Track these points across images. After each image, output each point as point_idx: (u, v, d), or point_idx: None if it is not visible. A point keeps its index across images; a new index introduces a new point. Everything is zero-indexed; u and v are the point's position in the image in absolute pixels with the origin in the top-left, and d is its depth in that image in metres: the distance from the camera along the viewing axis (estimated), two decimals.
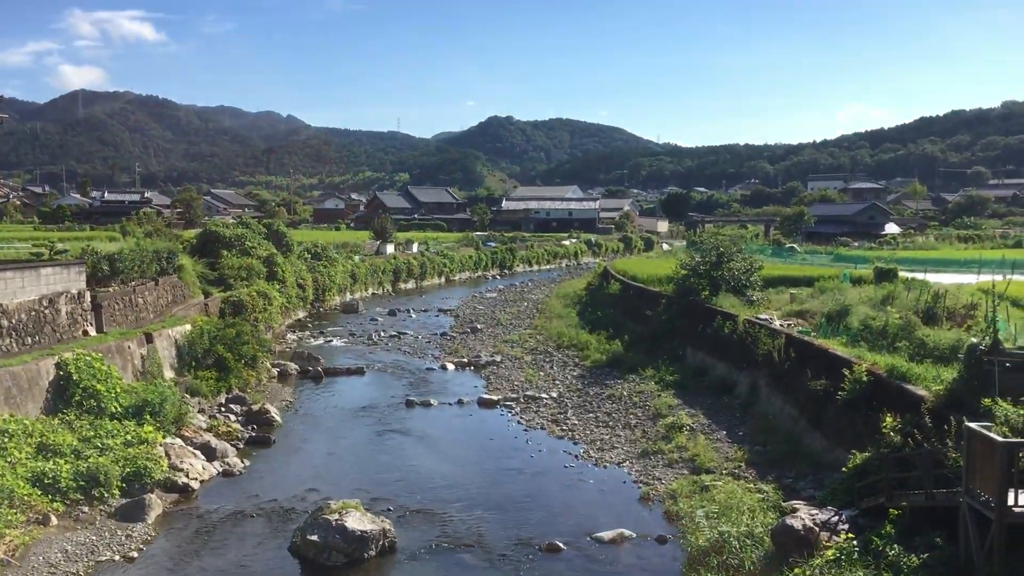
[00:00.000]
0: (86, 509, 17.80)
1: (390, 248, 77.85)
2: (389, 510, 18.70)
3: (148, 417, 21.90)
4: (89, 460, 18.66)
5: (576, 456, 23.19)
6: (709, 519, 16.67)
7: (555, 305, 53.88)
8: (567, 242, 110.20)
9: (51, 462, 18.11)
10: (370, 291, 65.22)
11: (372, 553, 16.19)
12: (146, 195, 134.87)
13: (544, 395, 30.23)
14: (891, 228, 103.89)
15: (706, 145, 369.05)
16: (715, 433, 24.04)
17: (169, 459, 20.75)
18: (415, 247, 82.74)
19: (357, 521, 16.46)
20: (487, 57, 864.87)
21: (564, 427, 26.18)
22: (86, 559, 15.77)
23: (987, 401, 13.71)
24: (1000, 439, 11.53)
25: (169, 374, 27.47)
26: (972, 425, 12.20)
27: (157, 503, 18.56)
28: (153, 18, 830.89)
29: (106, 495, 18.33)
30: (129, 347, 25.54)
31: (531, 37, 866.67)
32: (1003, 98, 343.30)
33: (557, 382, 32.55)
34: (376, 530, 16.48)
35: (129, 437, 20.49)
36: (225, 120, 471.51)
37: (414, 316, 53.55)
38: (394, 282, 69.72)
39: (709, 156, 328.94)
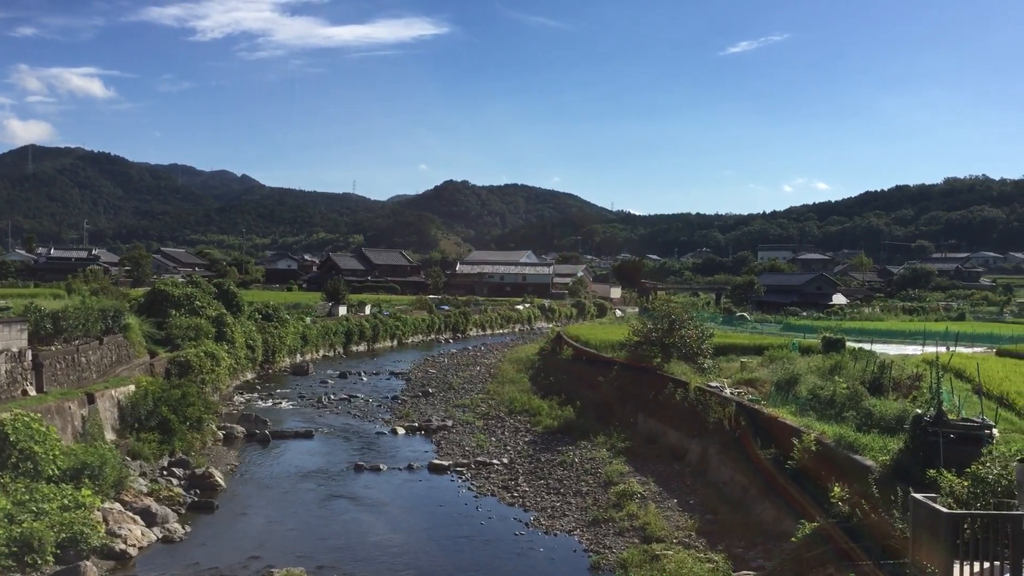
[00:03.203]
0: None
1: (342, 310, 77.35)
2: None
3: (87, 480, 21.23)
4: (23, 525, 17.97)
5: (526, 524, 22.94)
6: None
7: (508, 370, 53.76)
8: (521, 307, 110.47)
9: None
10: (321, 353, 64.54)
11: None
12: (94, 252, 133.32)
13: (495, 461, 29.97)
14: (838, 299, 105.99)
15: (659, 213, 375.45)
16: (666, 501, 23.97)
17: (107, 524, 20.09)
18: (368, 309, 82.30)
19: None
20: (439, 122, 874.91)
21: (515, 494, 25.93)
22: None
23: (932, 472, 13.88)
24: (945, 510, 11.63)
25: (111, 436, 26.77)
26: (918, 496, 12.31)
27: (93, 571, 17.88)
28: (107, 75, 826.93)
29: (39, 562, 17.64)
30: (70, 408, 24.88)
31: (484, 104, 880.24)
32: (945, 174, 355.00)
33: (508, 448, 32.32)
34: None
35: (66, 501, 19.81)
36: (178, 178, 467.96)
37: (365, 379, 53.03)
38: (346, 344, 69.11)
39: (662, 224, 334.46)
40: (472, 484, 27.19)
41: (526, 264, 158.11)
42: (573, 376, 44.59)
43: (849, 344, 33.62)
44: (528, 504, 24.80)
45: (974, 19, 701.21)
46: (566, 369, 46.73)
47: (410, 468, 29.23)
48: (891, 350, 36.52)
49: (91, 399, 26.37)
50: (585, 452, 30.34)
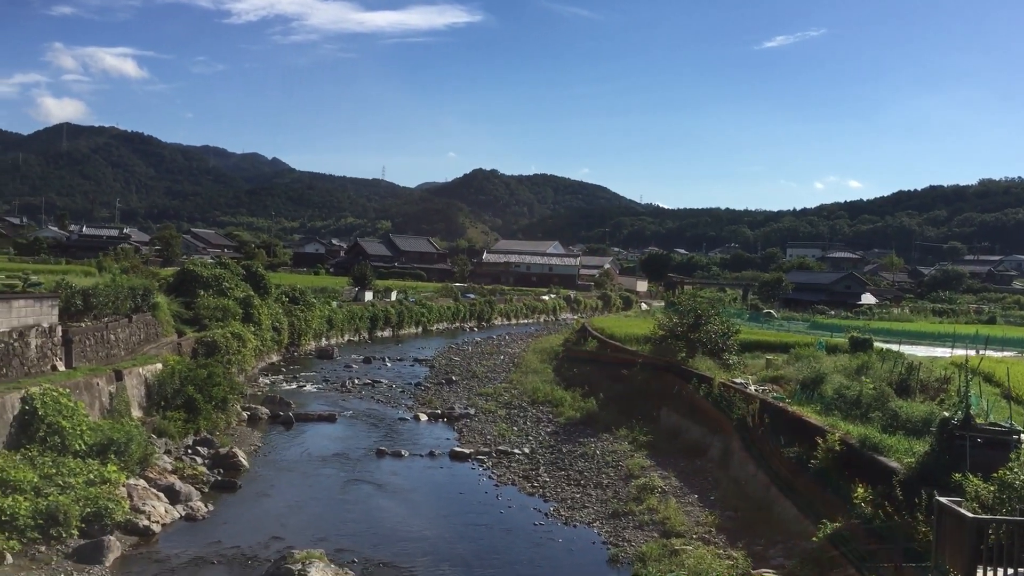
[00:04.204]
0: (43, 548, 17.35)
1: (369, 295, 77.69)
2: (354, 562, 18.38)
3: (112, 456, 21.49)
4: (49, 498, 18.24)
5: (546, 514, 22.96)
6: None
7: (531, 360, 53.78)
8: (546, 297, 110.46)
9: (10, 498, 17.67)
10: (346, 337, 64.90)
11: None
12: (125, 231, 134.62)
13: (516, 450, 30.02)
14: (867, 298, 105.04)
15: (687, 207, 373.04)
16: (687, 496, 23.90)
17: (131, 500, 20.34)
18: (394, 295, 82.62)
19: (320, 572, 16.17)
20: (469, 110, 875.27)
21: (535, 484, 25.95)
22: None
23: (958, 476, 13.73)
24: (970, 515, 11.52)
25: (137, 413, 27.08)
26: (943, 500, 12.20)
27: (116, 545, 18.14)
28: (142, 56, 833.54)
29: (64, 535, 17.90)
30: (98, 384, 25.18)
31: (514, 93, 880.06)
32: (980, 175, 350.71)
33: (530, 438, 32.35)
34: None
35: (92, 476, 20.08)
36: (209, 160, 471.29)
37: (389, 364, 53.26)
38: (371, 329, 69.44)
39: (690, 218, 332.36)
40: (493, 473, 27.25)
41: (553, 255, 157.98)
42: (597, 368, 44.51)
43: (877, 344, 33.29)
44: (548, 495, 24.82)
45: (1012, 18, 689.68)
46: (590, 361, 46.64)
47: (431, 455, 29.34)
48: (919, 352, 36.13)
49: (119, 376, 26.67)
50: (607, 444, 30.31)
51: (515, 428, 33.94)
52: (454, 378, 47.27)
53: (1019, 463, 13.49)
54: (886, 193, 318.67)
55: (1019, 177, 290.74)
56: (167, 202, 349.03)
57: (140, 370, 28.54)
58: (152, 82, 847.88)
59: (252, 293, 47.45)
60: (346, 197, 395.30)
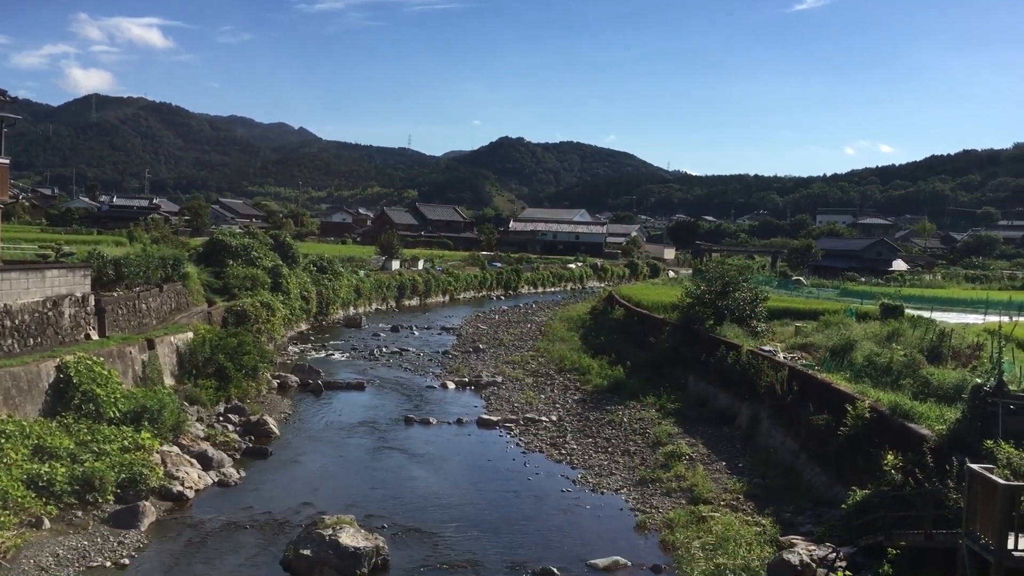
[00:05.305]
0: (79, 513, 17.72)
1: (396, 264, 77.90)
2: (383, 527, 18.59)
3: (146, 423, 21.84)
4: (85, 464, 18.59)
5: (574, 481, 23.06)
6: (705, 551, 16.54)
7: (558, 328, 53.80)
8: (573, 265, 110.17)
9: (47, 465, 18.04)
10: (374, 306, 65.23)
11: (365, 570, 16.07)
12: (154, 201, 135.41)
13: (544, 418, 30.12)
14: (898, 265, 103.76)
15: (716, 174, 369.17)
16: (714, 464, 23.90)
17: (165, 467, 20.67)
18: (421, 264, 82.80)
19: (351, 537, 16.36)
20: (494, 77, 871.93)
21: (563, 451, 26.06)
22: (77, 564, 15.69)
23: (990, 443, 13.61)
24: (1002, 482, 11.43)
25: (169, 381, 27.44)
26: (974, 467, 12.10)
27: (151, 510, 18.47)
28: (169, 26, 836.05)
29: (100, 500, 18.26)
30: (130, 352, 25.52)
31: (539, 60, 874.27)
32: (1015, 139, 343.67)
33: (557, 405, 32.44)
34: (369, 547, 16.37)
35: (126, 443, 20.44)
36: (236, 130, 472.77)
37: (416, 333, 53.50)
38: (398, 298, 69.71)
39: (718, 185, 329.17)
40: (520, 440, 27.38)
41: (579, 223, 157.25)
42: (624, 336, 44.47)
43: (908, 311, 32.99)
44: (576, 462, 24.92)
45: None
46: (617, 329, 46.61)
47: (459, 422, 29.51)
48: (951, 318, 35.73)
49: (151, 345, 27.00)
50: (634, 412, 30.32)
51: (542, 396, 34.03)
52: (481, 346, 47.40)
53: None
54: (918, 158, 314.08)
55: None
56: (195, 172, 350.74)
57: (171, 339, 28.87)
58: (178, 52, 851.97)
59: (280, 262, 47.75)
60: (372, 166, 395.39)
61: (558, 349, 44.52)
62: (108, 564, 15.92)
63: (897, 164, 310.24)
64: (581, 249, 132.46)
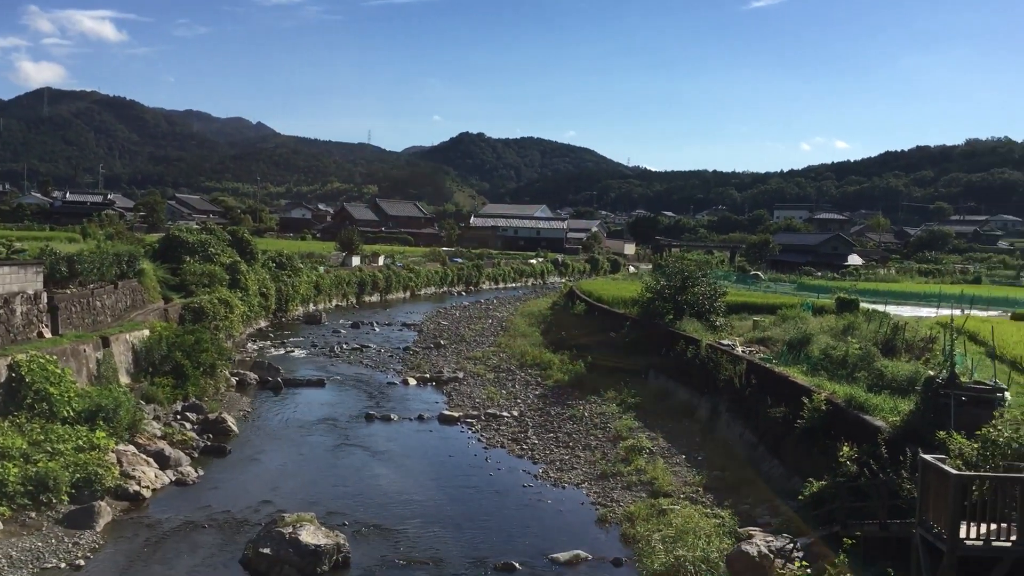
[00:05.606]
0: (33, 514, 17.40)
1: (356, 260, 77.44)
2: (344, 524, 18.49)
3: (101, 423, 21.48)
4: (38, 464, 18.24)
5: (535, 476, 23.11)
6: (665, 543, 16.67)
7: (520, 323, 53.84)
8: (534, 261, 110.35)
9: None
10: (334, 303, 64.77)
11: (325, 568, 15.98)
12: (109, 197, 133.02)
13: (505, 413, 30.14)
14: (854, 259, 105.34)
15: (675, 170, 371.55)
16: (674, 457, 24.09)
17: (121, 466, 20.37)
18: (381, 260, 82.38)
19: (311, 535, 16.25)
20: (455, 73, 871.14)
21: (524, 446, 26.10)
22: (31, 565, 15.41)
23: (942, 434, 13.87)
24: (954, 472, 11.66)
25: (125, 379, 27.02)
26: (927, 457, 12.33)
27: (107, 511, 18.20)
28: (123, 19, 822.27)
29: (54, 501, 17.94)
30: (85, 350, 25.09)
31: (500, 56, 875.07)
32: (967, 135, 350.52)
33: (519, 401, 32.48)
34: (330, 544, 16.28)
35: (81, 442, 20.08)
36: (193, 124, 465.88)
37: (377, 329, 53.24)
38: (359, 294, 69.30)
39: (678, 181, 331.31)
40: (482, 436, 27.38)
41: (540, 218, 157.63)
42: (585, 331, 44.62)
43: (863, 305, 33.50)
44: (537, 457, 24.98)
45: None
46: (578, 324, 46.76)
47: (421, 419, 29.43)
48: (905, 312, 36.38)
49: (106, 343, 26.57)
50: (595, 407, 30.46)
51: (504, 391, 34.05)
52: (442, 342, 47.31)
53: (1002, 420, 13.64)
54: (873, 154, 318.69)
55: (1006, 137, 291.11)
56: (151, 168, 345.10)
57: (127, 336, 28.43)
58: (132, 45, 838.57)
59: (238, 259, 47.22)
60: (332, 162, 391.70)
61: (519, 344, 44.56)
62: (63, 565, 15.66)
63: (852, 160, 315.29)
64: (542, 244, 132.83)
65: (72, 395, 21.79)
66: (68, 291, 28.33)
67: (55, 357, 22.49)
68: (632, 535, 18.26)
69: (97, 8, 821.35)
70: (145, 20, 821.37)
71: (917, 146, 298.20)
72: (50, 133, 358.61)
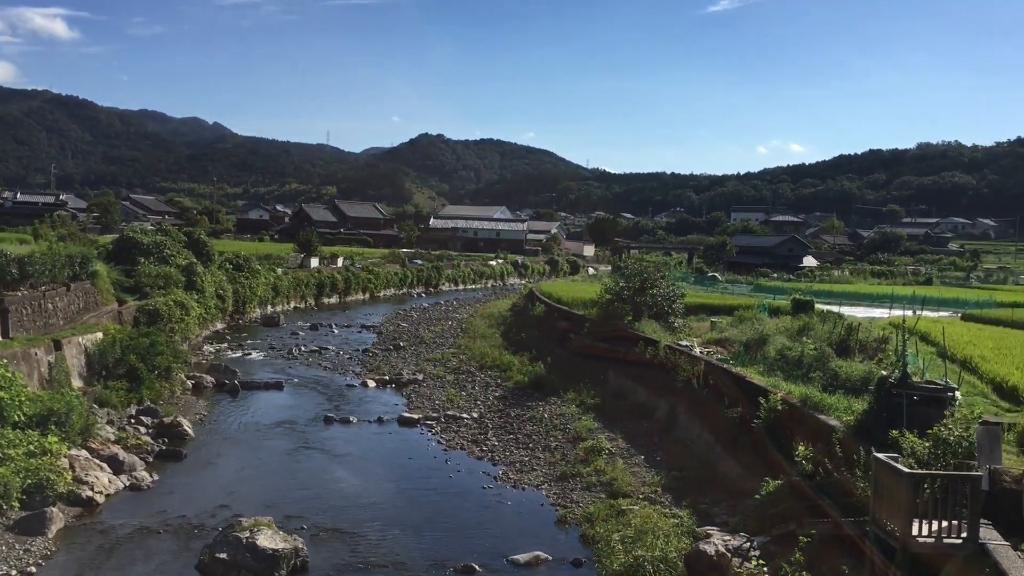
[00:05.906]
0: None
1: (314, 262, 76.84)
2: (303, 528, 18.35)
3: (53, 427, 21.05)
4: None
5: (495, 477, 23.11)
6: (624, 543, 16.75)
7: (480, 325, 53.79)
8: (494, 262, 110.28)
9: None
10: (292, 305, 64.21)
11: (283, 572, 15.83)
12: (61, 197, 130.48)
13: (465, 415, 30.10)
14: (809, 261, 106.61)
15: (634, 172, 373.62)
16: (633, 457, 24.23)
17: (73, 471, 20.01)
18: (340, 262, 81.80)
19: (269, 539, 16.09)
20: (414, 74, 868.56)
21: (484, 448, 26.09)
22: None
23: (895, 433, 14.09)
24: (906, 470, 11.84)
25: (77, 383, 26.54)
26: (879, 456, 12.51)
27: (59, 517, 17.87)
28: (75, 17, 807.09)
29: (5, 507, 17.58)
30: (36, 354, 24.61)
31: (459, 57, 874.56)
32: (918, 139, 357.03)
33: (479, 402, 32.45)
34: (288, 548, 16.13)
35: (32, 447, 19.67)
36: (148, 124, 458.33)
37: (336, 331, 52.88)
38: (317, 296, 68.77)
39: (636, 183, 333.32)
40: (441, 437, 27.31)
41: (500, 220, 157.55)
42: (545, 332, 44.71)
43: (818, 306, 33.92)
44: (497, 458, 24.98)
45: None
46: (538, 325, 46.84)
47: (380, 421, 29.29)
48: (859, 313, 36.92)
49: (58, 346, 26.09)
50: (555, 408, 30.53)
51: (464, 393, 34.01)
52: (402, 344, 47.12)
53: (953, 419, 13.89)
54: (827, 157, 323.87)
55: (956, 141, 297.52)
56: (104, 168, 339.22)
57: (80, 339, 27.94)
58: (85, 44, 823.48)
59: (195, 260, 46.62)
60: (290, 163, 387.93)
61: (479, 346, 44.53)
62: (14, 573, 15.34)
63: (807, 163, 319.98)
64: (502, 246, 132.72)
65: (23, 399, 21.32)
66: (19, 293, 27.75)
67: (5, 360, 22.02)
68: (591, 536, 18.34)
69: (48, 6, 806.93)
70: (99, 19, 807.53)
71: (870, 149, 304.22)
72: (0, 132, 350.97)
